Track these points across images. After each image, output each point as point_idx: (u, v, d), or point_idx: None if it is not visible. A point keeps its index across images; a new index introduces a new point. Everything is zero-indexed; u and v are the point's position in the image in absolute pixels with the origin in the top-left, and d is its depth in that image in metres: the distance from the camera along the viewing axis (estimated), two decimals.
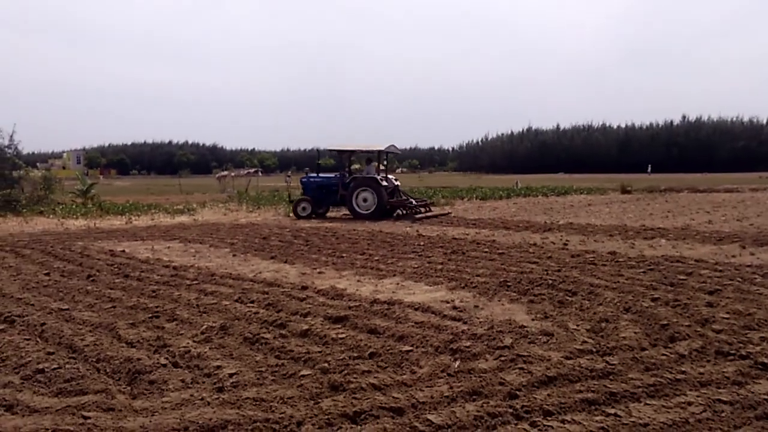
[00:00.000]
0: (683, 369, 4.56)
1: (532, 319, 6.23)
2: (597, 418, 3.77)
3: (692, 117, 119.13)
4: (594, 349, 5.10)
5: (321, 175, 21.35)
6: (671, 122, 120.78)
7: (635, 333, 5.57)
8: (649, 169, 76.86)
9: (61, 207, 24.65)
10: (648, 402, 3.99)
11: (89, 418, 3.83)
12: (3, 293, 8.00)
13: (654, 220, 17.50)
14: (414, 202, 21.15)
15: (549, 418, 3.77)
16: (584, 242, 12.55)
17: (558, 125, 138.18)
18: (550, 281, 7.96)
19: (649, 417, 3.76)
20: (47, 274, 9.52)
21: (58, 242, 13.83)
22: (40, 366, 4.91)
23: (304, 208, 20.35)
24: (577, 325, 5.92)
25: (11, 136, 26.39)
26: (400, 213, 20.56)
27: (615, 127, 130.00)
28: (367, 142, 21.89)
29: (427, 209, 21.03)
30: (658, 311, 6.26)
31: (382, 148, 20.58)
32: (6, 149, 26.29)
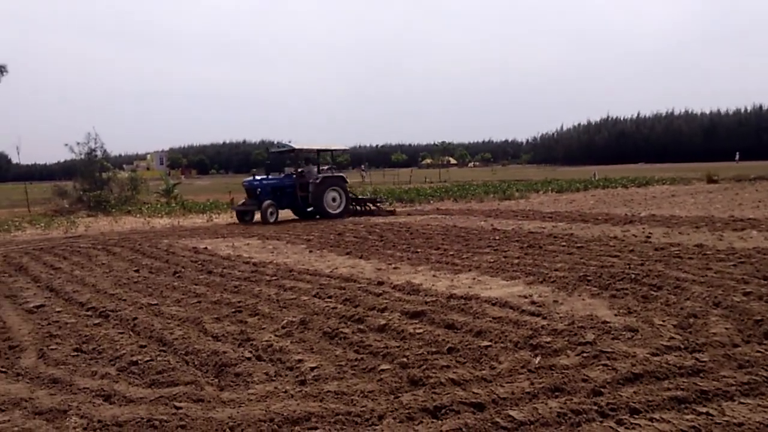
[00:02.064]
0: None
1: (615, 315, 6.05)
2: (687, 417, 3.63)
3: None
4: (682, 346, 4.90)
5: (270, 177, 19.66)
6: (760, 106, 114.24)
7: (726, 329, 5.31)
8: (737, 157, 72.93)
9: (146, 206, 25.82)
10: (742, 401, 3.80)
11: (181, 408, 4.01)
12: (97, 289, 8.46)
13: (743, 210, 16.64)
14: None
15: (636, 416, 3.66)
16: (668, 235, 12.07)
17: (638, 113, 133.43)
18: (633, 275, 7.71)
19: (743, 416, 3.59)
20: (137, 271, 10.00)
21: (145, 240, 14.51)
22: (134, 358, 5.18)
23: (272, 213, 18.34)
24: (663, 321, 5.71)
25: (98, 139, 27.84)
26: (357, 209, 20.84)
27: (699, 113, 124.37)
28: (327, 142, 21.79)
29: (375, 206, 20.93)
30: (751, 306, 5.95)
31: (346, 148, 20.94)
32: (95, 152, 27.77)
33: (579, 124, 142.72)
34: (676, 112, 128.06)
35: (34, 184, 51.93)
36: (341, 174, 20.60)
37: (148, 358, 5.15)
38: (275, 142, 23.11)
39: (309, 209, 19.76)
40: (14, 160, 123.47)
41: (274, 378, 4.62)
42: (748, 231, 12.10)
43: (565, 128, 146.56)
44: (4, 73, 23.56)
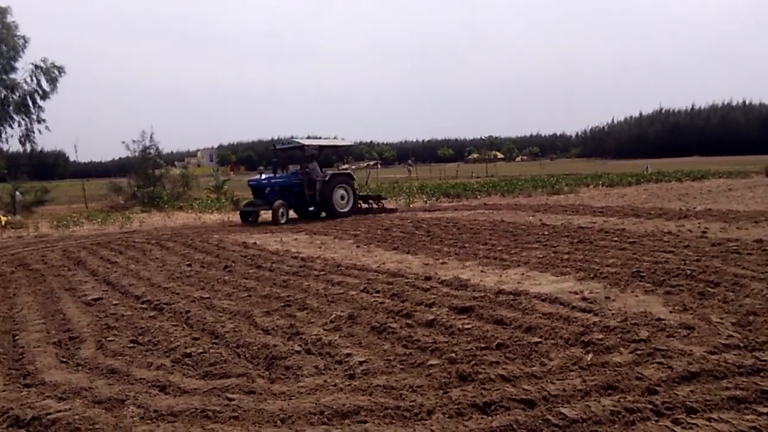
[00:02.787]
0: None
1: (670, 312, 5.89)
2: (747, 417, 3.51)
3: None
4: (741, 344, 4.74)
5: (278, 175, 18.83)
6: None
7: None
8: None
9: (197, 202, 26.40)
10: None
11: (233, 399, 4.09)
12: (152, 283, 8.70)
13: None
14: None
15: (693, 416, 3.55)
16: (725, 230, 11.68)
17: (692, 105, 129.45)
18: (689, 271, 7.49)
19: None
20: (189, 265, 10.24)
21: (196, 235, 14.85)
22: (188, 350, 5.30)
23: (282, 213, 17.48)
24: (721, 319, 5.53)
25: (152, 137, 28.57)
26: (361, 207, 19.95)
27: (757, 104, 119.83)
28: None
29: (378, 204, 20.43)
30: None
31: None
32: (149, 150, 28.53)
33: (631, 117, 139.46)
34: (734, 103, 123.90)
35: (90, 181, 53.65)
36: (348, 171, 20.31)
37: (201, 350, 5.27)
38: (275, 138, 22.48)
39: (311, 208, 19.11)
40: (72, 158, 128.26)
41: (323, 371, 4.67)
42: None
43: (616, 121, 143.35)
44: (63, 74, 24.31)
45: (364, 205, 20.28)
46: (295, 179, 18.56)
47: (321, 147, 20.60)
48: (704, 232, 11.33)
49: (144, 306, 7.27)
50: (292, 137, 22.43)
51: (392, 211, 20.19)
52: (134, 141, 28.46)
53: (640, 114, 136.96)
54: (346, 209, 18.82)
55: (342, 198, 18.83)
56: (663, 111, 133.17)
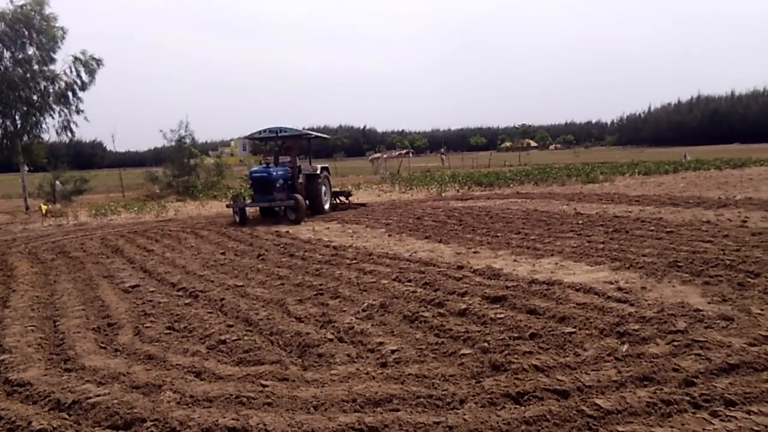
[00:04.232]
0: None
1: (708, 303, 5.76)
2: None
3: None
4: None
5: (274, 167, 16.35)
6: None
7: None
8: None
9: (231, 191, 26.66)
10: None
11: (267, 386, 4.14)
12: (187, 270, 8.84)
13: None
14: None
15: (732, 408, 3.48)
16: (767, 219, 11.37)
17: (732, 91, 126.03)
18: (728, 261, 7.32)
19: None
20: (223, 254, 10.37)
21: (230, 224, 15.01)
22: (222, 337, 5.38)
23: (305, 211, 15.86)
24: (762, 310, 5.39)
25: (187, 127, 28.94)
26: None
27: None
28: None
29: (347, 200, 19.22)
30: None
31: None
32: (184, 140, 28.92)
33: (669, 104, 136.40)
34: None
35: (127, 171, 54.66)
36: (325, 165, 18.79)
37: (236, 338, 5.34)
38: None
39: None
40: (109, 148, 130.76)
41: (355, 360, 4.69)
42: None
43: (653, 108, 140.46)
44: (101, 66, 24.77)
45: (335, 201, 19.09)
46: (290, 172, 16.55)
47: (310, 138, 19.12)
48: (744, 221, 11.05)
49: (179, 293, 7.39)
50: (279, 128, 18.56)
51: (362, 205, 18.99)
52: (171, 130, 28.89)
53: (678, 101, 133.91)
54: (327, 205, 17.56)
55: (325, 194, 17.53)
56: (702, 97, 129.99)
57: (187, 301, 6.99)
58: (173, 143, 28.91)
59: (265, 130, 16.76)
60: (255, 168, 16.33)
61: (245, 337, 5.33)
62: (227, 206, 16.26)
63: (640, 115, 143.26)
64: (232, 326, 5.75)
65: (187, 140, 29.24)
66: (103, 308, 6.78)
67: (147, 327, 5.89)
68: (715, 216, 12.12)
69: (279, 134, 16.81)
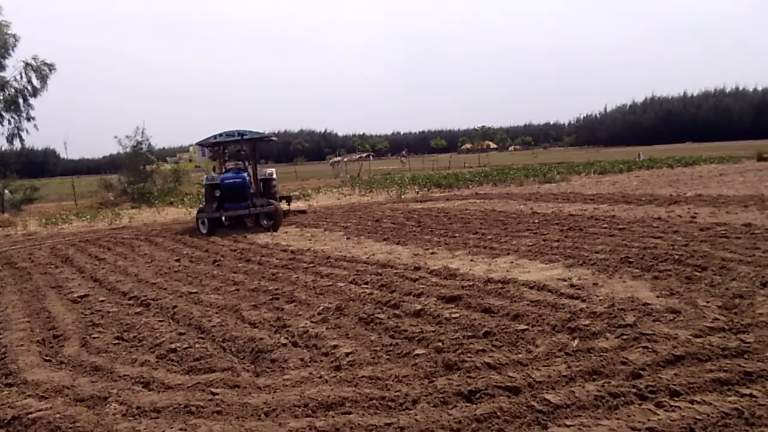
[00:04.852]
0: None
1: (657, 297, 5.88)
2: (730, 398, 3.50)
3: None
4: (726, 327, 4.74)
5: (233, 173, 15.08)
6: None
7: None
8: None
9: (188, 197, 26.25)
10: None
11: (217, 394, 4.06)
12: (139, 279, 8.64)
13: None
14: None
15: (676, 399, 3.54)
16: (715, 214, 11.69)
17: (685, 92, 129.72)
18: (677, 256, 7.48)
19: None
20: (177, 260, 10.18)
21: (186, 230, 14.75)
22: (173, 345, 5.26)
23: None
24: (707, 302, 5.52)
25: (143, 133, 28.39)
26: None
27: (750, 90, 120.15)
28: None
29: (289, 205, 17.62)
30: None
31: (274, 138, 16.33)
32: (140, 146, 28.36)
33: (624, 105, 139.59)
34: (726, 90, 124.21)
35: (81, 178, 53.42)
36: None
37: (187, 346, 5.23)
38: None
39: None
40: (63, 155, 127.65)
41: (309, 364, 4.64)
42: None
43: (608, 109, 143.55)
44: (53, 71, 24.14)
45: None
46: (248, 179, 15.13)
47: (271, 141, 17.82)
48: (693, 217, 11.34)
49: (130, 302, 7.21)
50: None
51: (301, 212, 17.79)
52: (127, 137, 28.28)
53: (633, 102, 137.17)
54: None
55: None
56: (656, 98, 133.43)
57: (138, 309, 6.82)
58: (129, 150, 28.32)
59: (222, 134, 15.43)
60: (225, 174, 15.06)
61: (197, 345, 5.23)
62: (198, 218, 14.61)
63: (596, 116, 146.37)
64: (183, 334, 5.64)
65: (144, 146, 28.69)
66: (49, 320, 6.57)
67: (94, 338, 5.72)
68: (666, 213, 12.41)
69: (244, 138, 15.48)
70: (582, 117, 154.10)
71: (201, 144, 15.95)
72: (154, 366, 4.83)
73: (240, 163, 15.96)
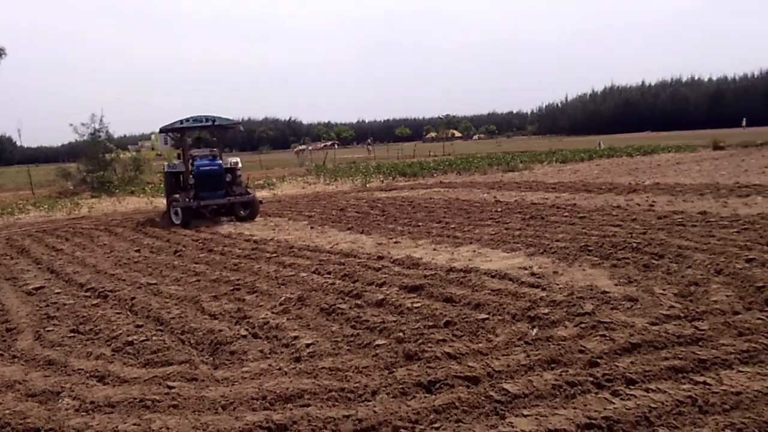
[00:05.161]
0: None
1: (615, 285, 5.98)
2: (684, 386, 3.57)
3: None
4: (682, 314, 4.84)
5: (208, 160, 14.37)
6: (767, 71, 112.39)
7: (727, 296, 5.24)
8: (744, 123, 72.11)
9: (150, 186, 25.76)
10: (741, 369, 3.74)
11: (174, 387, 3.99)
12: (97, 270, 8.45)
13: (749, 176, 16.44)
14: None
15: (632, 387, 3.60)
16: (672, 203, 11.95)
17: (643, 81, 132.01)
18: (635, 244, 7.62)
19: (741, 385, 3.52)
20: (137, 251, 9.99)
21: (147, 220, 14.48)
22: (130, 338, 5.16)
23: None
24: (664, 290, 5.64)
25: (102, 120, 27.69)
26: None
27: (706, 80, 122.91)
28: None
29: None
30: (753, 273, 5.86)
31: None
32: (98, 133, 27.67)
33: (584, 94, 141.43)
34: (683, 79, 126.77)
35: (40, 167, 52.01)
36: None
37: (144, 338, 5.13)
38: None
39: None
40: (19, 143, 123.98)
41: (268, 355, 4.60)
42: (752, 197, 11.96)
43: (569, 98, 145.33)
44: (3, 56, 23.32)
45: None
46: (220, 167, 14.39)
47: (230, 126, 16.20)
48: (651, 206, 11.57)
49: (87, 294, 7.05)
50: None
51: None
52: (83, 124, 27.53)
53: (593, 91, 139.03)
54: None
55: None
56: (615, 88, 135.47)
57: (95, 301, 6.67)
58: (86, 137, 27.59)
59: (189, 119, 14.37)
60: (201, 161, 14.18)
61: (154, 338, 5.13)
62: (170, 208, 13.81)
63: (557, 105, 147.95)
64: (141, 326, 5.53)
65: (102, 134, 28.00)
66: (2, 313, 6.37)
67: (49, 331, 5.57)
68: (625, 201, 12.64)
69: (215, 123, 14.57)
70: (544, 106, 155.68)
71: (166, 130, 15.12)
72: (109, 359, 4.73)
73: (212, 150, 15.32)
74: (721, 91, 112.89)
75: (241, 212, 13.95)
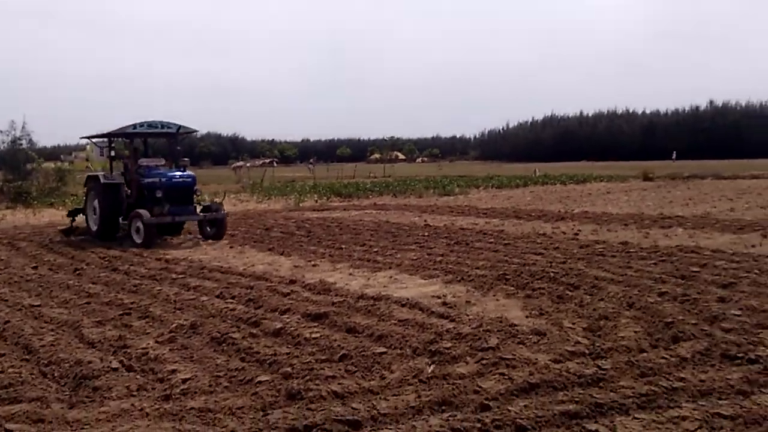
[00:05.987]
0: (683, 375, 4.05)
1: (526, 317, 5.76)
2: None
3: (719, 101, 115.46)
4: (587, 351, 4.62)
5: (179, 171, 12.94)
6: (697, 107, 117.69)
7: (635, 332, 5.07)
8: (674, 156, 74.98)
9: (73, 198, 24.54)
10: (637, 415, 3.49)
11: (11, 431, 3.46)
12: None
13: (673, 207, 16.80)
14: None
15: None
16: (597, 232, 11.98)
17: (581, 112, 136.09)
18: (552, 274, 7.46)
19: None
20: (35, 268, 9.28)
21: (57, 235, 13.60)
22: None
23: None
24: (573, 324, 5.44)
25: (24, 128, 26.36)
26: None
27: (640, 113, 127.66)
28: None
29: None
30: (664, 307, 5.74)
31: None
32: (19, 141, 26.31)
33: (525, 122, 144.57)
34: (618, 111, 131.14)
35: None
36: None
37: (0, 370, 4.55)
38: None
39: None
40: None
41: (135, 393, 4.10)
42: (674, 228, 12.12)
43: (511, 125, 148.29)
44: None
45: None
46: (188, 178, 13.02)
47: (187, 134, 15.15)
48: (576, 234, 11.56)
49: None
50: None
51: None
52: (2, 132, 26.13)
53: (533, 120, 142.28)
54: None
55: None
56: (555, 117, 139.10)
57: None
58: (6, 145, 26.19)
59: (143, 124, 12.79)
60: (173, 173, 12.73)
61: (11, 369, 4.54)
62: (130, 224, 12.02)
63: (499, 131, 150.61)
64: (3, 355, 4.93)
65: (24, 142, 26.62)
66: None
67: None
68: (552, 229, 12.62)
69: (179, 131, 13.38)
70: (486, 132, 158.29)
71: (113, 135, 13.48)
72: None
73: (162, 160, 13.69)
74: (653, 124, 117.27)
75: (208, 229, 12.71)
